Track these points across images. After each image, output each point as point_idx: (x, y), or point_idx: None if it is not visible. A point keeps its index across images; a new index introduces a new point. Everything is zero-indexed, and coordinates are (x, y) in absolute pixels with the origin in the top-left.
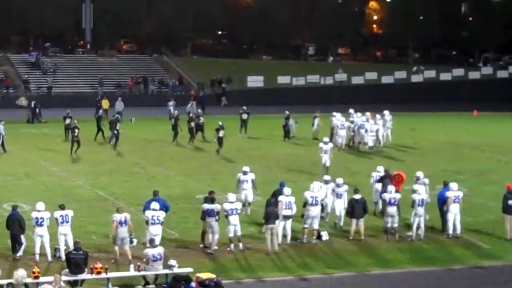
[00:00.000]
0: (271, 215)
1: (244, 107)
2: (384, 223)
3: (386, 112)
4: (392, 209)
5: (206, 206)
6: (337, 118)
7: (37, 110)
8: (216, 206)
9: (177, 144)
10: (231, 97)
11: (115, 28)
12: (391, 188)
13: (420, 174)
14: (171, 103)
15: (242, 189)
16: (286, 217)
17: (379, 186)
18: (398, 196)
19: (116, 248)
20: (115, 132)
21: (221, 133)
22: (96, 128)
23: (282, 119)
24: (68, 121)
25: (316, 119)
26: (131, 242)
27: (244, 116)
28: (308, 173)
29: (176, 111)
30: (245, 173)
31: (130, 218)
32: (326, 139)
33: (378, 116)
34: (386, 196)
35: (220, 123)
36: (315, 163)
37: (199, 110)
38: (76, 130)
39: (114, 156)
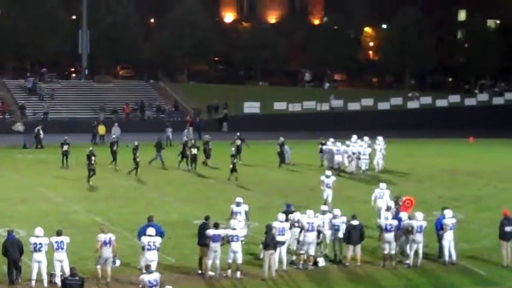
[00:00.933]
0: (271, 241)
1: (238, 133)
2: (382, 250)
3: (380, 138)
4: (389, 236)
5: (212, 232)
6: (331, 144)
7: (41, 136)
8: (222, 232)
9: (187, 170)
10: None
11: (111, 54)
12: (387, 214)
13: (391, 204)
14: (170, 129)
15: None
16: (279, 243)
17: (381, 203)
18: (394, 222)
19: (98, 267)
20: (136, 159)
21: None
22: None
23: (277, 146)
24: (65, 147)
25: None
26: (114, 263)
27: (238, 142)
28: (305, 200)
29: (185, 137)
30: (238, 204)
31: (115, 239)
32: (328, 172)
33: (376, 141)
34: (383, 222)
35: (233, 149)
36: (312, 189)
37: (206, 136)
38: (93, 158)
39: (110, 181)
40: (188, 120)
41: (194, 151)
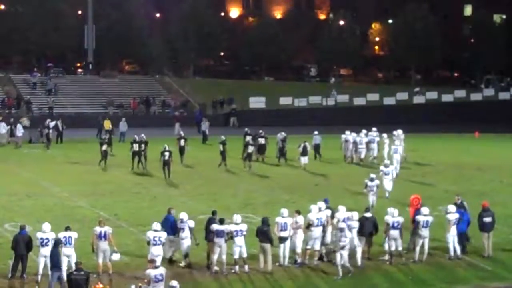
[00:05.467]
0: (259, 234)
1: (261, 131)
2: (388, 247)
3: (400, 131)
4: (395, 232)
5: (216, 227)
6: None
7: (62, 130)
8: (226, 227)
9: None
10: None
11: (117, 49)
12: (393, 211)
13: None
14: (206, 123)
15: (180, 237)
16: (282, 239)
17: (396, 156)
18: (401, 219)
19: (100, 261)
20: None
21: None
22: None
23: (279, 141)
24: (104, 147)
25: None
26: (111, 255)
27: (262, 140)
28: (309, 194)
29: (222, 136)
30: (182, 221)
31: (112, 233)
32: (372, 175)
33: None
34: (389, 219)
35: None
36: (317, 184)
37: (260, 131)
38: (172, 154)
39: (115, 176)
40: (176, 116)
41: (221, 147)
